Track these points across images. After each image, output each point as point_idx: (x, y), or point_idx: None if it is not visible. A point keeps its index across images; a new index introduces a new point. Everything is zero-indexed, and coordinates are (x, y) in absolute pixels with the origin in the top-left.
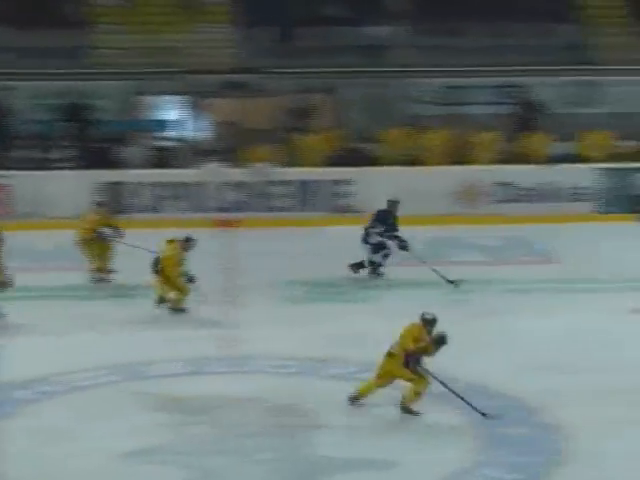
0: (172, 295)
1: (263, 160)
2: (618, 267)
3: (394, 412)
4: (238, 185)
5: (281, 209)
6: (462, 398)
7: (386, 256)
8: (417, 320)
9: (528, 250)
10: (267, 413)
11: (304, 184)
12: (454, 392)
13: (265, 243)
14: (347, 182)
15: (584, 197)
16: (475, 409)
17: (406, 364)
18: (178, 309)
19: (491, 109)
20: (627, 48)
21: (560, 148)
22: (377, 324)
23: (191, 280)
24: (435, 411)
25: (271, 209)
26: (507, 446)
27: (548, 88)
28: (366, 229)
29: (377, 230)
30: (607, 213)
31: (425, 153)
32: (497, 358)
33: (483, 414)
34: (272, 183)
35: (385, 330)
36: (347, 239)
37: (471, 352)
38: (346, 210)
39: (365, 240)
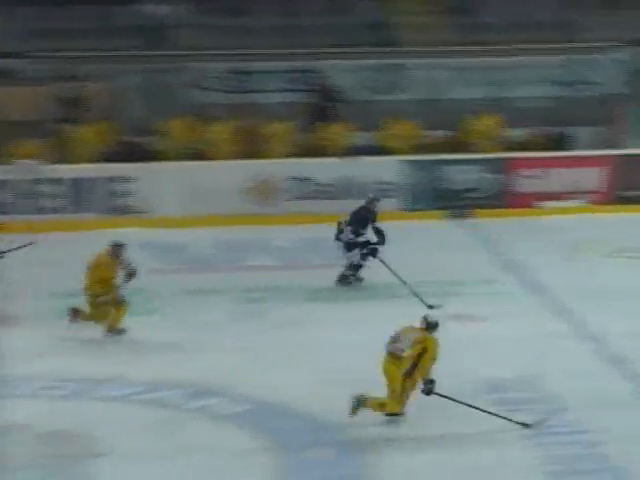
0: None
1: (29, 156)
2: (428, 269)
3: (183, 435)
4: (1, 184)
5: (51, 211)
6: (494, 414)
7: (363, 258)
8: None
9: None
10: (37, 441)
11: (76, 182)
12: (480, 409)
13: (34, 249)
14: (125, 179)
15: (389, 193)
16: (516, 422)
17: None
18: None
19: (284, 96)
20: (431, 28)
21: (361, 139)
22: (163, 337)
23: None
24: (231, 434)
25: (40, 211)
26: (312, 471)
27: (346, 72)
28: (339, 223)
29: (350, 230)
30: (414, 210)
31: (212, 146)
32: (297, 374)
33: (526, 425)
34: (40, 181)
35: (172, 343)
36: (127, 243)
37: (268, 368)
38: (125, 211)
39: (337, 237)
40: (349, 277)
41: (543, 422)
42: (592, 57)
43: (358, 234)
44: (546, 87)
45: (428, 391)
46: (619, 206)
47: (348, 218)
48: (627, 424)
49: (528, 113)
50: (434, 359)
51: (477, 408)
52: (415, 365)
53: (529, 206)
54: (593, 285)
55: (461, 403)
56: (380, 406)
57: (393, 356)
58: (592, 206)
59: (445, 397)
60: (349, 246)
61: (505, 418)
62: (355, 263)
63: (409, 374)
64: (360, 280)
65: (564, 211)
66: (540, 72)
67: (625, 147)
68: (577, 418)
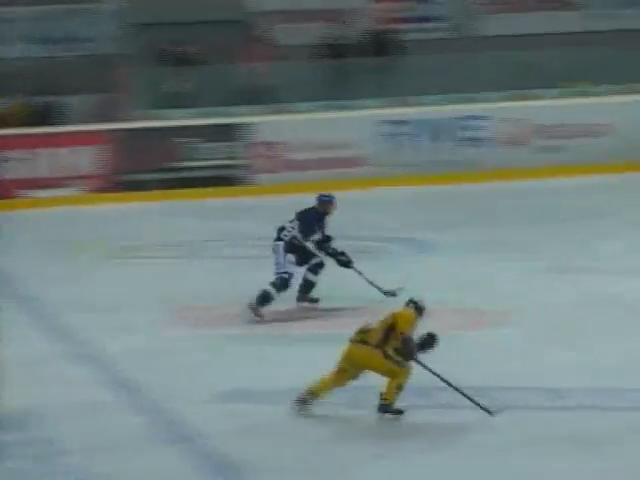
0: None
1: None
2: None
3: None
4: None
5: None
6: (467, 396)
7: (283, 282)
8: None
9: None
10: None
11: None
12: (459, 390)
13: None
14: None
15: None
16: (482, 408)
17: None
18: None
19: None
20: None
21: None
22: None
23: None
24: None
25: None
26: None
27: None
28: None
29: (313, 238)
30: None
31: None
32: None
33: (489, 412)
34: None
35: None
36: None
37: None
38: None
39: (278, 237)
40: (305, 294)
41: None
42: (81, 7)
43: (307, 235)
44: (24, 45)
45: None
46: (124, 193)
47: (294, 216)
48: (138, 467)
49: (3, 79)
50: (410, 324)
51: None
52: (387, 336)
53: (10, 197)
54: (121, 295)
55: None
56: (397, 388)
57: (360, 332)
58: (90, 194)
59: (426, 368)
60: (292, 247)
61: (477, 403)
62: (308, 279)
63: (383, 343)
64: (315, 301)
65: (54, 202)
66: (15, 26)
67: (129, 120)
68: (78, 463)
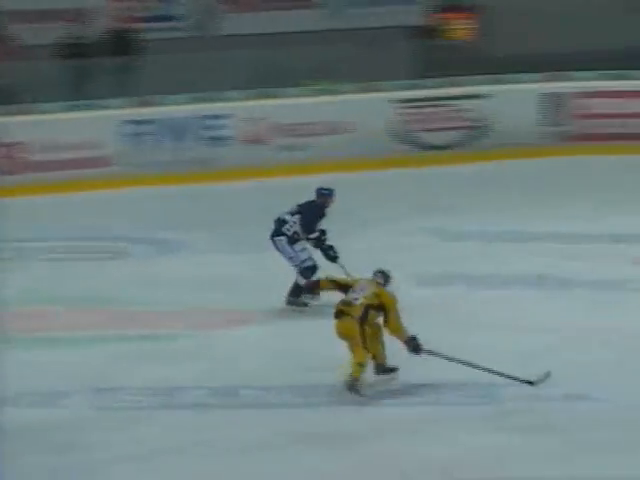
0: None
1: None
2: None
3: None
4: None
5: None
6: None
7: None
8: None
9: None
10: None
11: None
12: (487, 369)
13: None
14: None
15: None
16: (517, 379)
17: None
18: None
19: None
20: None
21: None
22: None
23: None
24: None
25: None
26: None
27: None
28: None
29: (312, 236)
30: None
31: None
32: None
33: (530, 382)
34: None
35: None
36: None
37: None
38: None
39: (278, 231)
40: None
41: (545, 379)
42: None
43: (307, 231)
44: None
45: (415, 348)
46: None
47: (294, 209)
48: None
49: None
50: (397, 313)
51: (475, 366)
52: (367, 313)
53: None
54: None
55: (458, 361)
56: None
57: (345, 305)
58: None
59: (439, 355)
60: (293, 240)
61: (507, 376)
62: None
63: (363, 320)
64: (305, 305)
65: None
66: None
67: None
68: None
